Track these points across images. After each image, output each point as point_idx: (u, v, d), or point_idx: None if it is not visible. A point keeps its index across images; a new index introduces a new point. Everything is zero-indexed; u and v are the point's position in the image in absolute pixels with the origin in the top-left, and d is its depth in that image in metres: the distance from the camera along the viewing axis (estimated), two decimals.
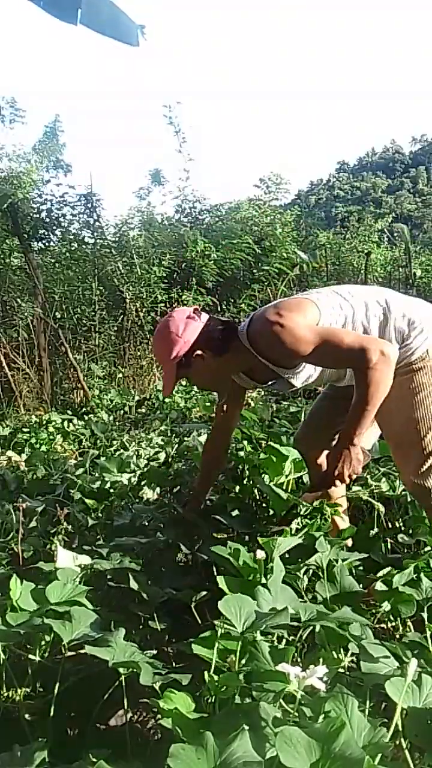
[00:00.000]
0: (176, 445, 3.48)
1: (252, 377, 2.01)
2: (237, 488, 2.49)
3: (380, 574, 1.60)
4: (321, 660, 1.31)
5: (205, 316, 1.92)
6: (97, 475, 2.83)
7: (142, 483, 2.66)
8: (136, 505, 2.42)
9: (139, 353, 7.70)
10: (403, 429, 1.83)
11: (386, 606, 1.49)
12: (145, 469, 3.03)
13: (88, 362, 7.18)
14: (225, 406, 2.17)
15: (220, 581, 1.36)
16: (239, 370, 1.98)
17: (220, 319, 1.98)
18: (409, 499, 2.22)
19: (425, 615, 1.49)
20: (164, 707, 1.04)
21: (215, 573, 1.64)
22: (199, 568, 1.89)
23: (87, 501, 2.43)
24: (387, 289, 1.97)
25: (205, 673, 1.14)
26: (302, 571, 1.58)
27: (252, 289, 8.76)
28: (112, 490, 2.60)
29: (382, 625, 1.70)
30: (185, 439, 3.67)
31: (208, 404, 4.93)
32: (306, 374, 1.90)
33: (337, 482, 1.80)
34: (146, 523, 2.19)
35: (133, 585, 1.62)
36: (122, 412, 6.00)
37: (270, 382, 2.00)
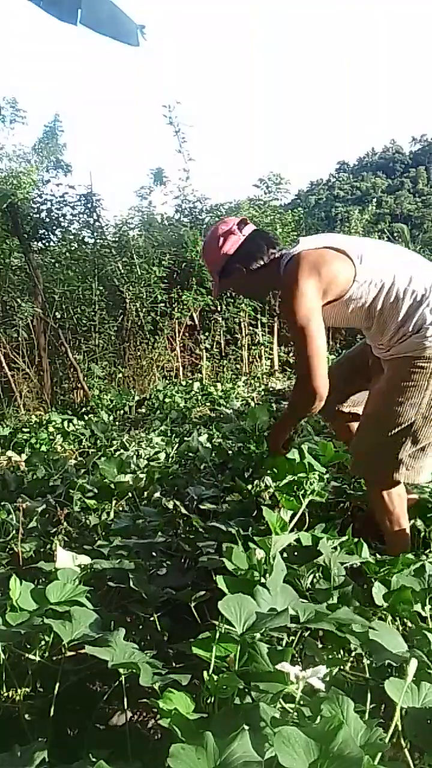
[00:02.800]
0: (176, 445, 3.48)
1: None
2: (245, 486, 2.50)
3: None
4: (324, 659, 1.32)
5: (249, 229, 2.01)
6: (97, 475, 2.83)
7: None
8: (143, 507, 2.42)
9: (139, 353, 7.71)
10: (377, 405, 1.92)
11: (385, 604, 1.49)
12: (145, 469, 3.03)
13: (88, 362, 7.18)
14: None
15: (219, 581, 1.36)
16: (275, 288, 2.04)
17: (265, 236, 2.03)
18: None
19: (428, 608, 1.49)
20: (163, 707, 1.04)
21: (213, 573, 1.64)
22: (199, 569, 1.90)
23: (87, 501, 2.43)
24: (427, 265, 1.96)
25: (204, 673, 1.14)
26: (308, 572, 1.58)
27: None
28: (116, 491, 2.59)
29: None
30: (186, 439, 3.67)
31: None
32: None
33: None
34: (147, 524, 2.19)
35: (133, 585, 1.62)
36: (122, 412, 6.01)
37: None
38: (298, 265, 1.83)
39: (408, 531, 1.96)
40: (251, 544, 1.59)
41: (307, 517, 1.96)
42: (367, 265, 1.83)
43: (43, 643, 1.44)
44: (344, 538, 1.73)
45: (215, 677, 1.12)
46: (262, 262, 1.96)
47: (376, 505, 1.93)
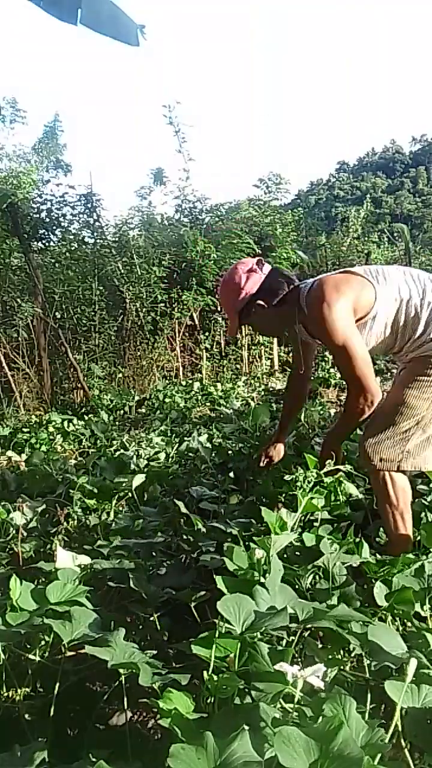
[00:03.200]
0: (176, 445, 3.48)
1: (309, 331, 2.14)
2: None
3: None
4: (324, 659, 1.32)
5: (267, 268, 2.10)
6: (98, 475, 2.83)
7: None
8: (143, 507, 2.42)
9: (139, 353, 7.71)
10: (391, 398, 2.00)
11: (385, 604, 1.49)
12: (145, 469, 3.03)
13: (88, 362, 7.18)
14: (295, 351, 2.38)
15: (219, 581, 1.36)
16: (295, 322, 2.11)
17: (282, 272, 2.12)
18: None
19: (427, 607, 1.49)
20: (163, 707, 1.04)
21: (213, 573, 1.64)
22: (199, 568, 1.90)
23: (87, 501, 2.43)
24: None
25: (204, 673, 1.14)
26: (308, 573, 1.58)
27: None
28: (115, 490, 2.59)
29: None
30: (186, 439, 3.67)
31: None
32: None
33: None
34: (147, 524, 2.19)
35: (133, 585, 1.62)
36: (122, 412, 6.01)
37: None
38: (323, 288, 1.92)
39: (410, 529, 1.98)
40: (251, 544, 1.59)
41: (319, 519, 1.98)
42: (385, 284, 1.94)
43: (43, 643, 1.44)
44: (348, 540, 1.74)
45: (215, 677, 1.12)
46: (282, 297, 2.03)
47: (380, 497, 1.98)
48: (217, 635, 1.17)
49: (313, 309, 1.94)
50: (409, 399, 1.92)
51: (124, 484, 2.45)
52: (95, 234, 8.22)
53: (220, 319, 8.44)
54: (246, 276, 2.04)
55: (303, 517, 1.94)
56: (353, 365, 1.88)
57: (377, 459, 1.94)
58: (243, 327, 2.24)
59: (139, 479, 2.43)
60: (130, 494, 2.53)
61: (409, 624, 1.58)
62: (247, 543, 1.72)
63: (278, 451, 2.48)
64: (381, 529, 2.22)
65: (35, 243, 7.54)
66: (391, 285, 1.95)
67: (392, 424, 1.93)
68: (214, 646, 1.16)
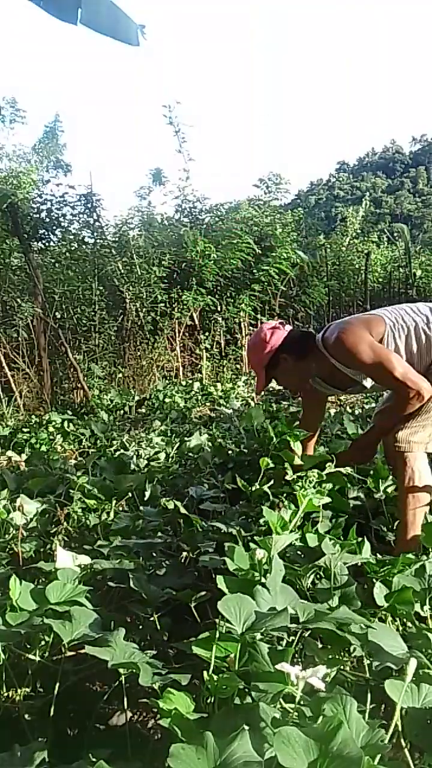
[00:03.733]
0: (176, 445, 3.48)
1: (331, 383, 2.35)
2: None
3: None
4: (324, 659, 1.32)
5: (288, 327, 2.32)
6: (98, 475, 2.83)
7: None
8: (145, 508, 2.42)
9: (139, 353, 7.70)
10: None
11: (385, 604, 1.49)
12: (145, 469, 3.03)
13: (88, 362, 7.18)
14: (307, 413, 2.62)
15: (219, 581, 1.36)
16: (318, 372, 2.33)
17: (300, 329, 2.40)
18: None
19: (427, 608, 1.49)
20: (164, 707, 1.04)
21: (213, 573, 1.64)
22: (199, 569, 1.90)
23: (87, 501, 2.43)
24: None
25: (205, 673, 1.14)
26: (309, 573, 1.58)
27: (252, 289, 8.76)
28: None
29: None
30: (186, 439, 3.67)
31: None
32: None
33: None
34: (147, 524, 2.19)
35: (133, 585, 1.62)
36: (122, 412, 6.00)
37: (348, 388, 2.35)
38: (342, 328, 2.15)
39: (420, 531, 2.00)
40: (251, 544, 1.59)
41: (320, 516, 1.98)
42: (393, 318, 2.16)
43: (43, 643, 1.44)
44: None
45: (215, 677, 1.12)
46: (305, 349, 2.25)
47: (404, 487, 2.05)
48: (217, 636, 1.17)
49: (336, 344, 2.14)
50: None
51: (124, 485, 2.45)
52: (95, 234, 8.22)
53: (219, 319, 8.45)
54: (270, 332, 2.26)
55: (302, 517, 1.93)
56: (392, 372, 2.02)
57: (405, 442, 2.05)
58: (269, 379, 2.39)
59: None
60: (130, 494, 2.53)
61: (409, 624, 1.58)
62: (247, 543, 1.72)
63: None
64: (382, 527, 2.23)
65: (35, 243, 7.55)
66: (398, 319, 2.15)
67: (425, 411, 2.06)
68: (214, 646, 1.16)
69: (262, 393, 5.49)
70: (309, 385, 2.41)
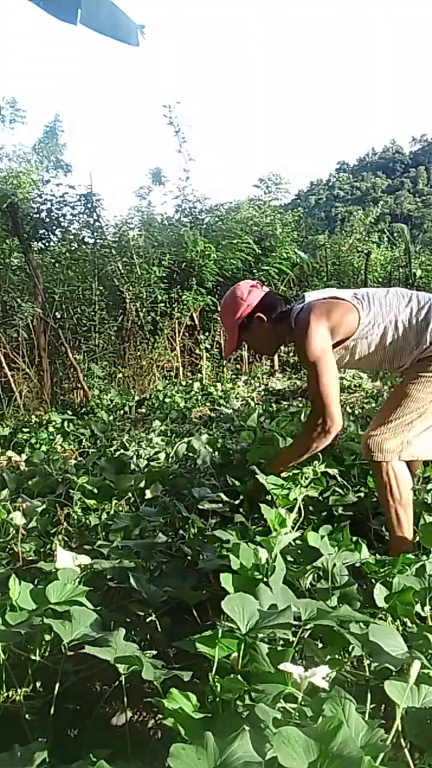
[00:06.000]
0: (176, 446, 3.47)
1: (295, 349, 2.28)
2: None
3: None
4: (324, 659, 1.32)
5: (265, 288, 2.27)
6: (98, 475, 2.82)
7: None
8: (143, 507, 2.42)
9: (139, 353, 7.71)
10: (395, 394, 2.11)
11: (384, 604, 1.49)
12: (145, 469, 3.03)
13: (88, 362, 7.18)
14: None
15: (224, 579, 1.36)
16: (286, 340, 2.26)
17: (278, 294, 2.30)
18: None
19: (427, 608, 1.49)
20: (168, 706, 1.04)
21: (212, 574, 1.64)
22: (199, 569, 1.89)
23: (87, 501, 2.43)
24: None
25: (209, 674, 1.14)
26: (307, 573, 1.58)
27: None
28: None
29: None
30: (186, 440, 3.66)
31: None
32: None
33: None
34: (147, 524, 2.19)
35: (134, 585, 1.62)
36: (122, 412, 6.00)
37: None
38: (310, 312, 2.07)
39: (411, 526, 2.02)
40: (252, 544, 1.59)
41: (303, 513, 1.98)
42: (369, 308, 2.08)
43: (43, 643, 1.43)
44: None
45: (219, 678, 1.12)
46: (280, 313, 2.17)
47: (382, 491, 2.02)
48: (220, 633, 1.17)
49: (298, 328, 2.08)
50: (413, 392, 2.00)
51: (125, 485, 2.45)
52: (95, 234, 8.23)
53: (219, 318, 8.45)
54: (248, 291, 2.19)
55: (300, 517, 1.94)
56: (320, 383, 1.99)
57: (378, 450, 2.00)
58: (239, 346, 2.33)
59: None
60: (130, 494, 2.53)
61: (409, 624, 1.58)
62: (247, 542, 1.72)
63: None
64: (382, 528, 2.23)
65: (35, 243, 7.54)
66: (377, 309, 2.08)
67: (395, 417, 2.01)
68: (217, 645, 1.16)
69: (261, 394, 5.49)
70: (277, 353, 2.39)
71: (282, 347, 2.34)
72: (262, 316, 2.17)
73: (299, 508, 2.07)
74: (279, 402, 5.34)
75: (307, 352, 2.01)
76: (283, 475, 2.15)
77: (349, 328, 2.06)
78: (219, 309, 2.42)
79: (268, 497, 2.10)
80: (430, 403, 1.99)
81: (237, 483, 2.47)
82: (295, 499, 2.04)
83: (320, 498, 2.28)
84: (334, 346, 2.08)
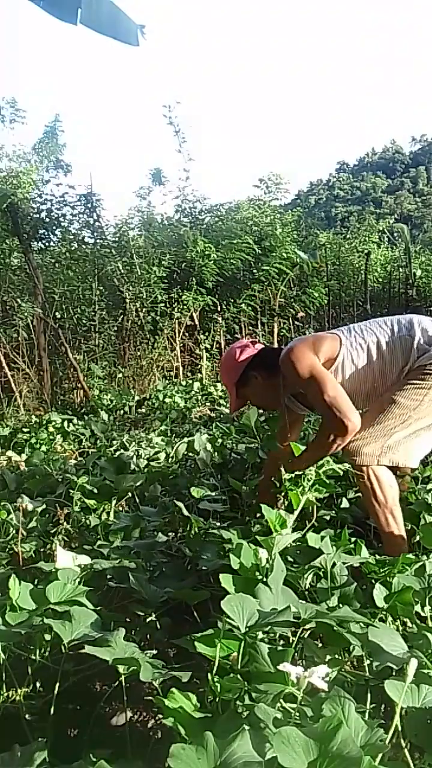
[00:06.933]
0: (176, 446, 3.47)
1: (302, 402, 2.32)
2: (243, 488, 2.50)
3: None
4: (324, 659, 1.32)
5: (259, 346, 2.32)
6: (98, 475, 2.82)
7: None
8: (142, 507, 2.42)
9: (139, 353, 7.71)
10: (381, 401, 2.09)
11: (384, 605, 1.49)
12: (145, 469, 3.03)
13: (88, 362, 7.18)
14: (286, 431, 2.42)
15: (224, 579, 1.36)
16: (287, 391, 2.27)
17: (272, 347, 2.37)
18: None
19: (427, 608, 1.49)
20: (168, 705, 1.04)
21: (211, 575, 1.64)
22: (199, 569, 1.89)
23: (87, 501, 2.43)
24: (419, 316, 2.22)
25: (209, 674, 1.14)
26: (307, 573, 1.58)
27: (252, 289, 8.76)
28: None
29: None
30: (185, 440, 3.66)
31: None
32: None
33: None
34: (147, 524, 2.19)
35: (133, 585, 1.62)
36: (122, 412, 6.00)
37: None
38: (292, 346, 2.11)
39: (402, 527, 2.01)
40: (252, 544, 1.59)
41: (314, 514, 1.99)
42: (351, 333, 2.14)
43: (43, 643, 1.43)
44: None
45: (219, 678, 1.12)
46: (274, 366, 2.17)
47: (367, 496, 2.02)
48: (221, 633, 1.17)
49: (283, 364, 2.11)
50: (399, 399, 2.01)
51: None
52: (95, 234, 8.23)
53: (219, 319, 8.45)
54: (240, 350, 2.26)
55: (300, 518, 1.94)
56: (324, 392, 1.96)
57: (357, 455, 2.00)
58: (245, 405, 2.40)
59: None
60: (130, 494, 2.53)
61: (409, 624, 1.58)
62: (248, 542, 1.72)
63: None
64: None
65: (35, 243, 7.55)
66: (359, 333, 2.13)
67: (377, 422, 2.02)
68: (218, 643, 1.16)
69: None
70: (284, 404, 2.33)
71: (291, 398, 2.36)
72: (255, 374, 2.22)
73: (308, 510, 2.06)
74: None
75: (298, 373, 2.02)
76: (286, 476, 2.14)
77: (332, 351, 2.09)
78: (219, 371, 2.50)
79: (279, 496, 2.05)
80: (414, 410, 1.99)
81: (240, 484, 2.47)
82: (309, 500, 2.02)
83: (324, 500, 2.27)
84: None
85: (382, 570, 1.64)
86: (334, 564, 1.60)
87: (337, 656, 1.37)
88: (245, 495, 2.48)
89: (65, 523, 2.23)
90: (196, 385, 6.80)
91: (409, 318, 2.15)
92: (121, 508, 2.52)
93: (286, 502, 1.99)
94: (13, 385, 6.29)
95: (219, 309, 8.54)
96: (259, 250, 8.70)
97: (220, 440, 3.53)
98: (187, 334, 8.34)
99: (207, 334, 8.38)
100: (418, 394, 1.98)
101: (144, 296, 7.74)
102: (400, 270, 11.76)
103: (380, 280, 12.00)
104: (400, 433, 2.00)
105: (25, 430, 4.71)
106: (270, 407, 2.56)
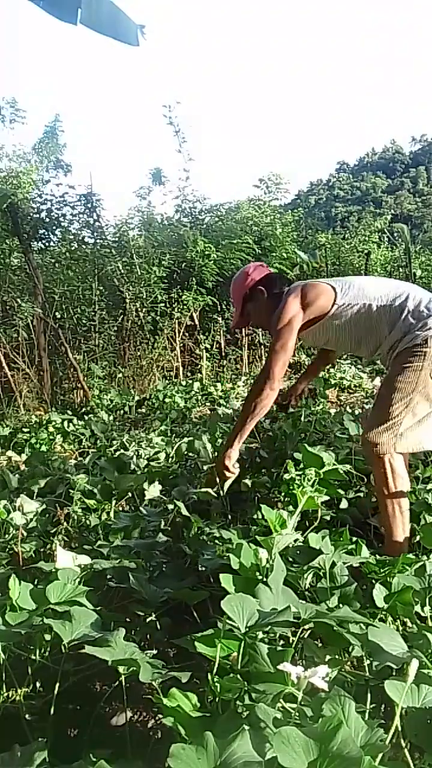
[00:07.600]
0: (176, 446, 3.47)
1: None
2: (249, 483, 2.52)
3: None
4: (324, 659, 1.32)
5: (273, 270, 2.56)
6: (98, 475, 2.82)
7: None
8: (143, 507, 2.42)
9: (139, 353, 7.70)
10: (383, 390, 2.17)
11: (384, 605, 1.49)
12: (145, 469, 3.03)
13: (88, 362, 7.18)
14: (315, 360, 2.98)
15: (224, 579, 1.36)
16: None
17: (282, 276, 2.60)
18: None
19: (427, 608, 1.49)
20: (168, 704, 1.04)
21: (211, 575, 1.64)
22: (199, 569, 1.89)
23: (87, 501, 2.43)
24: (414, 286, 2.32)
25: (209, 674, 1.14)
26: (307, 573, 1.58)
27: None
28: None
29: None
30: (185, 440, 3.66)
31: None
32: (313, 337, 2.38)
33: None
34: (147, 523, 2.19)
35: (133, 585, 1.62)
36: (122, 412, 6.00)
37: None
38: (291, 290, 2.31)
39: (408, 524, 2.04)
40: (252, 544, 1.59)
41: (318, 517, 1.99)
42: (348, 292, 2.24)
43: (43, 643, 1.43)
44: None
45: (219, 678, 1.12)
46: (278, 290, 2.38)
47: (380, 485, 2.07)
48: (222, 633, 1.17)
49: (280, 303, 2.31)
50: (397, 384, 2.08)
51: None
52: (95, 234, 8.23)
53: (219, 319, 8.45)
54: (254, 267, 2.50)
55: (300, 517, 1.94)
56: (275, 346, 2.20)
57: (374, 446, 2.07)
58: (243, 327, 2.56)
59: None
60: (130, 494, 2.53)
61: (409, 624, 1.58)
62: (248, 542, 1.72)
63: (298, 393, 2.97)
64: (382, 527, 2.23)
65: (35, 243, 7.54)
66: (354, 293, 2.23)
67: (386, 412, 2.09)
68: (218, 643, 1.16)
69: None
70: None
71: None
72: (263, 289, 2.42)
73: (308, 510, 2.07)
74: (279, 402, 5.32)
75: (277, 318, 2.22)
76: (286, 476, 2.15)
77: (322, 307, 2.22)
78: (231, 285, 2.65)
79: (228, 482, 2.24)
80: (413, 392, 2.06)
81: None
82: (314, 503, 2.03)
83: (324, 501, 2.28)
84: (309, 323, 2.26)
85: (382, 570, 1.64)
86: (334, 564, 1.60)
87: (337, 656, 1.37)
88: (245, 494, 2.48)
89: (65, 523, 2.24)
90: (196, 385, 6.80)
91: (415, 291, 2.23)
92: (121, 508, 2.52)
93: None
94: (13, 385, 6.29)
95: (219, 309, 8.53)
96: (259, 250, 8.70)
97: (220, 440, 3.52)
98: (187, 334, 8.33)
99: (207, 334, 8.37)
100: (413, 375, 2.06)
101: (144, 296, 7.74)
102: (400, 270, 11.76)
103: None
104: (407, 420, 2.07)
105: (25, 430, 4.71)
106: (266, 327, 2.69)
